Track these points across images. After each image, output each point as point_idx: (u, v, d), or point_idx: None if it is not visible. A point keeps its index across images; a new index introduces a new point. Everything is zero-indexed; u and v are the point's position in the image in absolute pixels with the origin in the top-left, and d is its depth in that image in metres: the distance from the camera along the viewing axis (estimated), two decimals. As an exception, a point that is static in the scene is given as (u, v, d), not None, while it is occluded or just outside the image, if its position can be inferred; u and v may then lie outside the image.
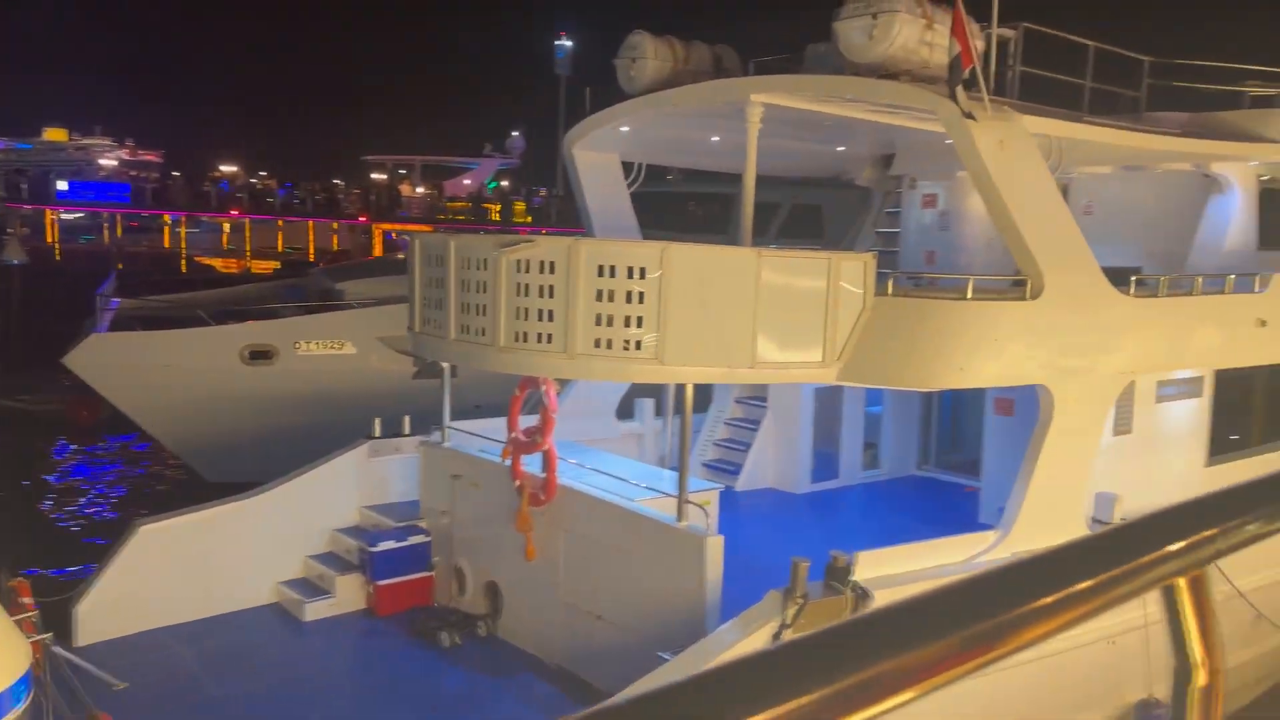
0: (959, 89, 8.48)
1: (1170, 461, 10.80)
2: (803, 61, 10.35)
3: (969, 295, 8.84)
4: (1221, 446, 11.56)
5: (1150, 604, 1.25)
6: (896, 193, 13.95)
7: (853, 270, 8.91)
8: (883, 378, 9.44)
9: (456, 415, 11.23)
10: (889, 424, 13.14)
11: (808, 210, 19.36)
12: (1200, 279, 10.75)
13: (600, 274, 8.25)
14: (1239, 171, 12.51)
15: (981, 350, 8.80)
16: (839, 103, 9.94)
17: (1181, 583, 1.20)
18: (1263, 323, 10.98)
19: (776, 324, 8.60)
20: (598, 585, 8.90)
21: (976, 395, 11.49)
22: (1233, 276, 11.00)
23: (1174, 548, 1.17)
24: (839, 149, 13.27)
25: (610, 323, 8.23)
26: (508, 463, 9.70)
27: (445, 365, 10.72)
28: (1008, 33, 11.00)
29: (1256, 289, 11.09)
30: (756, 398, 12.67)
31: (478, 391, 13.33)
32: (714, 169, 15.30)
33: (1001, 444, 10.84)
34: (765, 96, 9.53)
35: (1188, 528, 1.19)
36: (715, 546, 7.92)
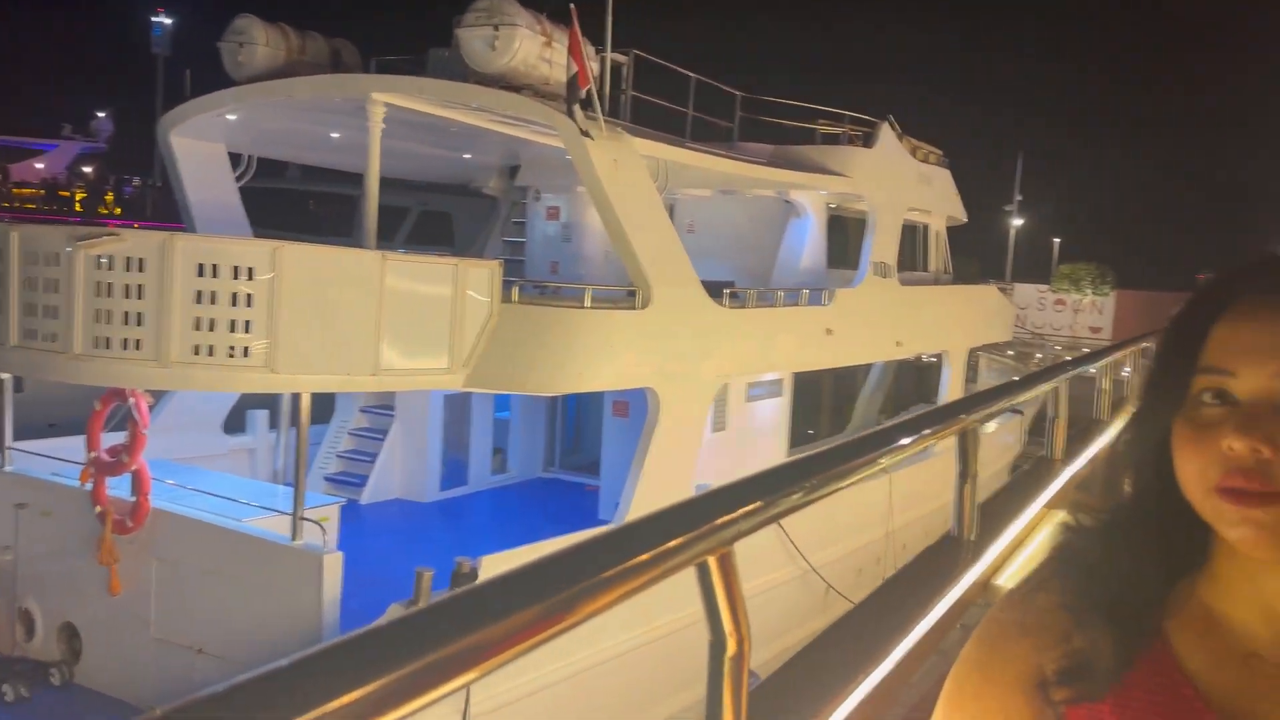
0: (576, 108, 8.88)
1: (759, 453, 12.11)
2: (426, 64, 10.26)
3: (587, 304, 9.28)
4: (799, 439, 13.23)
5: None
6: (522, 203, 14.30)
7: (480, 277, 8.98)
8: (509, 383, 9.62)
9: (26, 435, 9.72)
10: (517, 429, 13.41)
11: (437, 216, 19.22)
12: (781, 293, 12.18)
13: (201, 274, 7.57)
14: (812, 199, 14.36)
15: (599, 356, 9.28)
16: (463, 110, 9.99)
17: (711, 561, 1.32)
18: (829, 331, 12.67)
19: (401, 330, 8.44)
20: (198, 616, 8.14)
21: (597, 399, 12.09)
22: (807, 291, 12.60)
23: (701, 529, 1.29)
24: (466, 156, 13.33)
25: (213, 327, 7.58)
26: (88, 486, 8.57)
27: (3, 377, 9.24)
28: (621, 58, 11.72)
29: (825, 302, 12.79)
30: (383, 406, 12.34)
31: (55, 408, 11.63)
32: (337, 167, 14.68)
33: (619, 444, 11.49)
34: (388, 96, 9.32)
35: (712, 512, 1.32)
36: (334, 564, 7.58)
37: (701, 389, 10.39)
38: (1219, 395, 0.85)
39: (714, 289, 10.66)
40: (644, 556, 1.19)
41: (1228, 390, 0.84)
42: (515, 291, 9.37)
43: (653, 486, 9.46)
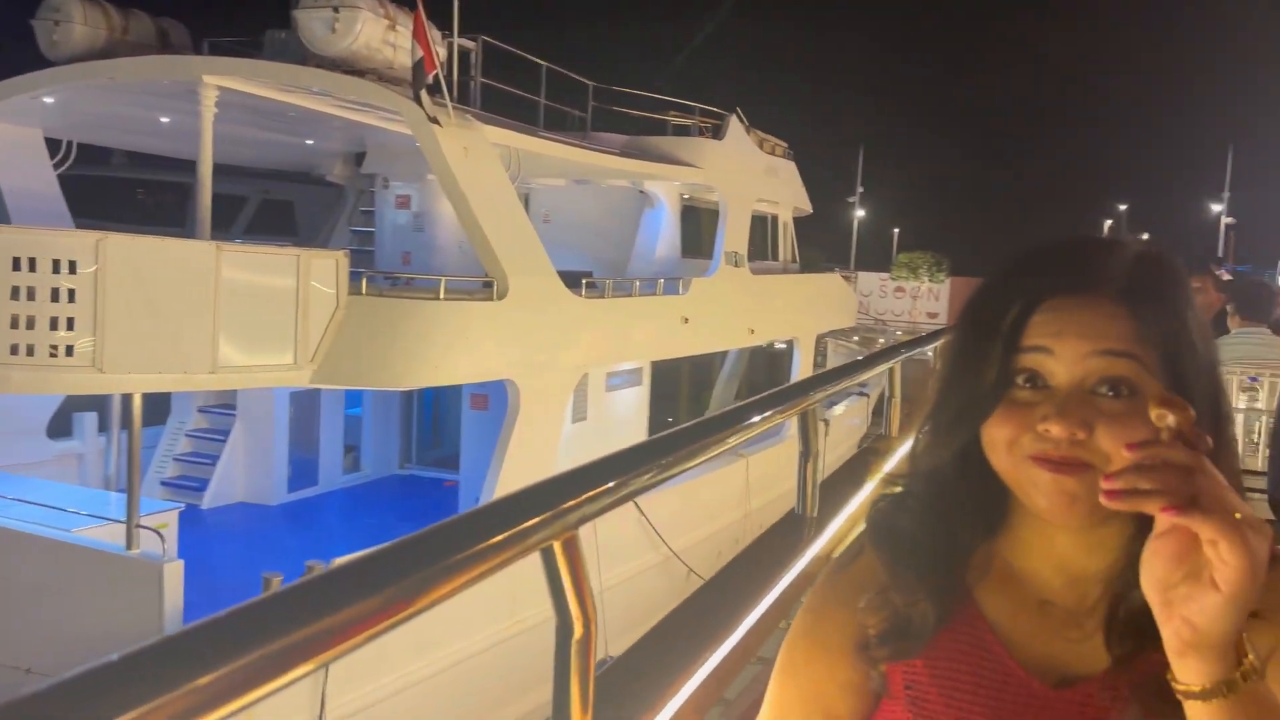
0: (424, 94, 8.66)
1: (620, 442, 12.13)
2: (262, 46, 9.78)
3: (441, 296, 9.08)
4: (658, 427, 13.34)
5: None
6: (370, 191, 13.86)
7: (324, 268, 8.66)
8: (360, 378, 9.33)
9: None
10: (370, 425, 13.02)
11: (279, 205, 18.42)
12: (638, 282, 12.27)
13: (16, 267, 7.00)
14: (666, 190, 14.53)
15: (454, 349, 9.10)
16: (303, 94, 9.59)
17: (556, 545, 1.32)
18: (686, 320, 12.86)
19: (241, 325, 8.04)
20: (22, 635, 7.54)
21: (454, 392, 11.88)
22: (663, 280, 12.75)
23: (545, 515, 1.29)
24: (308, 143, 12.81)
25: (32, 325, 7.02)
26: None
27: None
28: (469, 44, 11.51)
29: (681, 291, 12.97)
30: (224, 406, 11.74)
31: None
32: (168, 154, 13.83)
33: (478, 438, 11.33)
34: (220, 79, 8.84)
35: (556, 498, 1.32)
36: (174, 573, 7.17)
37: (561, 379, 10.35)
38: (1031, 379, 0.87)
39: (571, 279, 10.63)
40: (487, 543, 1.18)
41: (1041, 373, 0.87)
42: (364, 283, 9.08)
43: (514, 479, 9.37)
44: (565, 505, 1.33)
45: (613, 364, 12.14)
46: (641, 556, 10.57)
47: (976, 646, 0.92)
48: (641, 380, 13.19)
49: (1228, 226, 42.03)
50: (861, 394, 16.74)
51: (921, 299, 38.38)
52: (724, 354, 16.10)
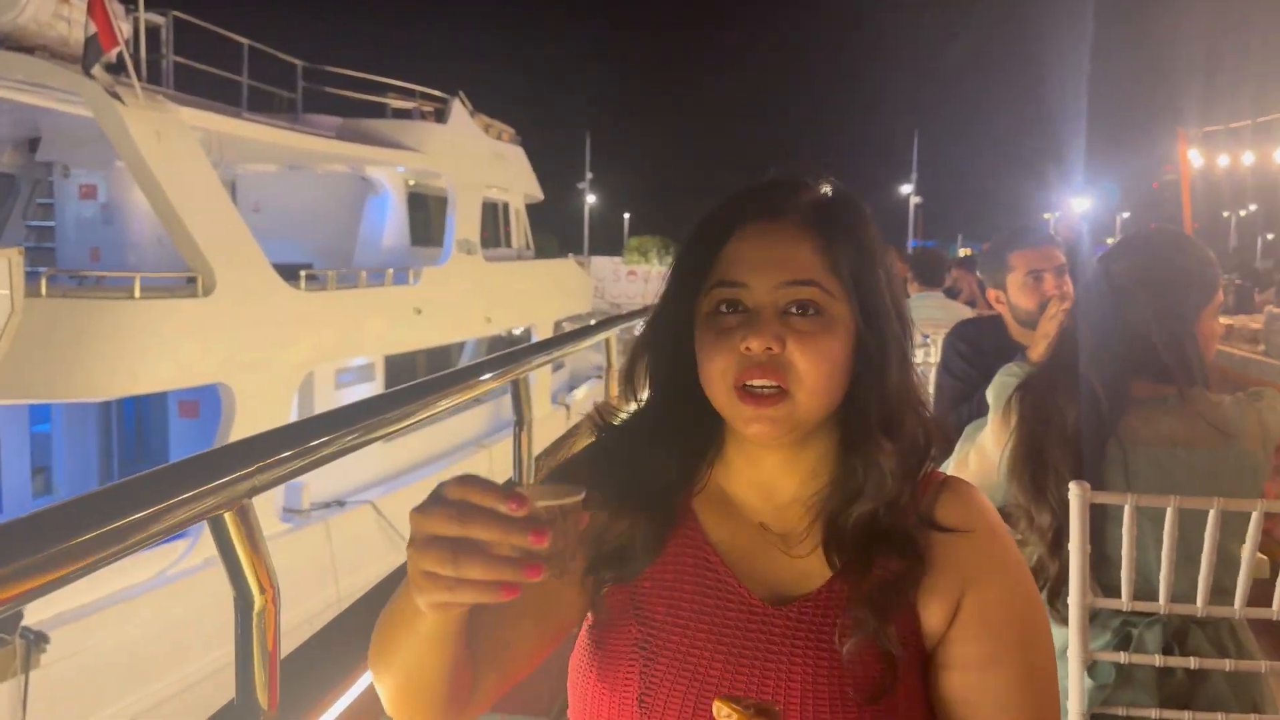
0: (100, 70, 7.81)
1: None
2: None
3: (136, 294, 8.26)
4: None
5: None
6: (49, 181, 12.34)
7: (-10, 269, 7.61)
8: (45, 390, 8.33)
9: None
10: (61, 441, 11.64)
11: (-65, 199, 16.02)
12: (364, 273, 11.78)
13: None
14: (390, 176, 14.02)
15: (154, 352, 8.32)
16: (-45, 71, 8.35)
17: (228, 516, 1.27)
18: (419, 311, 12.51)
19: (-115, 337, 6.91)
20: None
21: (160, 400, 10.87)
22: (391, 271, 12.31)
23: (215, 484, 1.24)
24: (-35, 127, 11.20)
25: None
26: None
27: None
28: (157, 19, 10.50)
29: (412, 281, 12.59)
30: (-128, 432, 10.07)
31: None
32: None
33: (190, 448, 10.41)
34: None
35: (226, 467, 1.27)
36: None
37: (282, 380, 9.73)
38: (731, 305, 0.95)
39: (288, 271, 10.02)
40: (143, 513, 1.12)
41: (740, 301, 0.94)
42: (44, 283, 8.09)
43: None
44: (236, 474, 1.28)
45: (341, 360, 11.59)
46: (386, 559, 10.20)
47: (700, 566, 0.98)
48: (374, 376, 12.69)
49: (916, 206, 46.80)
50: (600, 377, 17.01)
51: (653, 281, 39.63)
52: (461, 345, 15.86)
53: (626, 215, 48.25)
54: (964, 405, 2.68)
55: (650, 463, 0.99)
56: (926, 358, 4.12)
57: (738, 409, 0.93)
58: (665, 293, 1.01)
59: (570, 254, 23.25)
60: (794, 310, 0.94)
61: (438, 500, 0.75)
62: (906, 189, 46.36)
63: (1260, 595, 1.57)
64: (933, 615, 0.93)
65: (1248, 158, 12.86)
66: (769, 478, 0.99)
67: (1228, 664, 1.52)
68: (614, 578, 0.98)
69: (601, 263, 32.45)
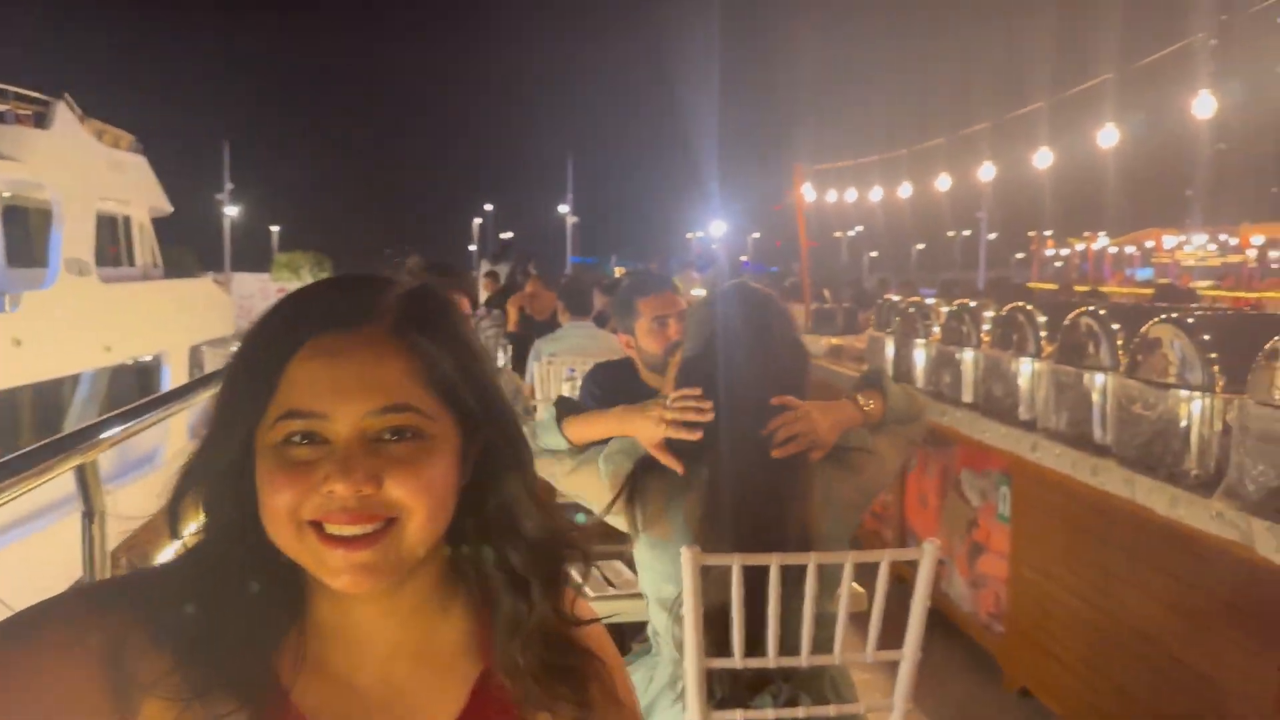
0: None
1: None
2: None
3: None
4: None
5: None
6: None
7: None
8: None
9: None
10: None
11: None
12: (-57, 300, 10.01)
13: None
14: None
15: None
16: None
17: None
18: (19, 342, 10.86)
19: None
20: None
21: None
22: (-19, 296, 10.58)
23: None
24: None
25: None
26: None
27: None
28: None
29: (9, 308, 10.89)
30: None
31: None
32: None
33: None
34: None
35: None
36: None
37: None
38: (308, 436, 0.77)
39: None
40: None
41: (317, 432, 0.77)
42: None
43: None
44: None
45: (-88, 404, 9.75)
46: None
47: None
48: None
49: (574, 225, 48.45)
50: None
51: (308, 299, 37.53)
52: (76, 378, 13.96)
53: (275, 228, 45.35)
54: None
55: (221, 621, 0.78)
56: (574, 392, 4.18)
57: (321, 557, 0.77)
58: (215, 421, 0.81)
59: (210, 271, 21.35)
60: (388, 437, 0.78)
61: None
62: (564, 208, 47.86)
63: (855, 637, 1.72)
64: None
65: (850, 194, 14.97)
66: (362, 629, 0.83)
67: (831, 709, 1.64)
68: None
69: (246, 280, 30.10)
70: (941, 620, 4.23)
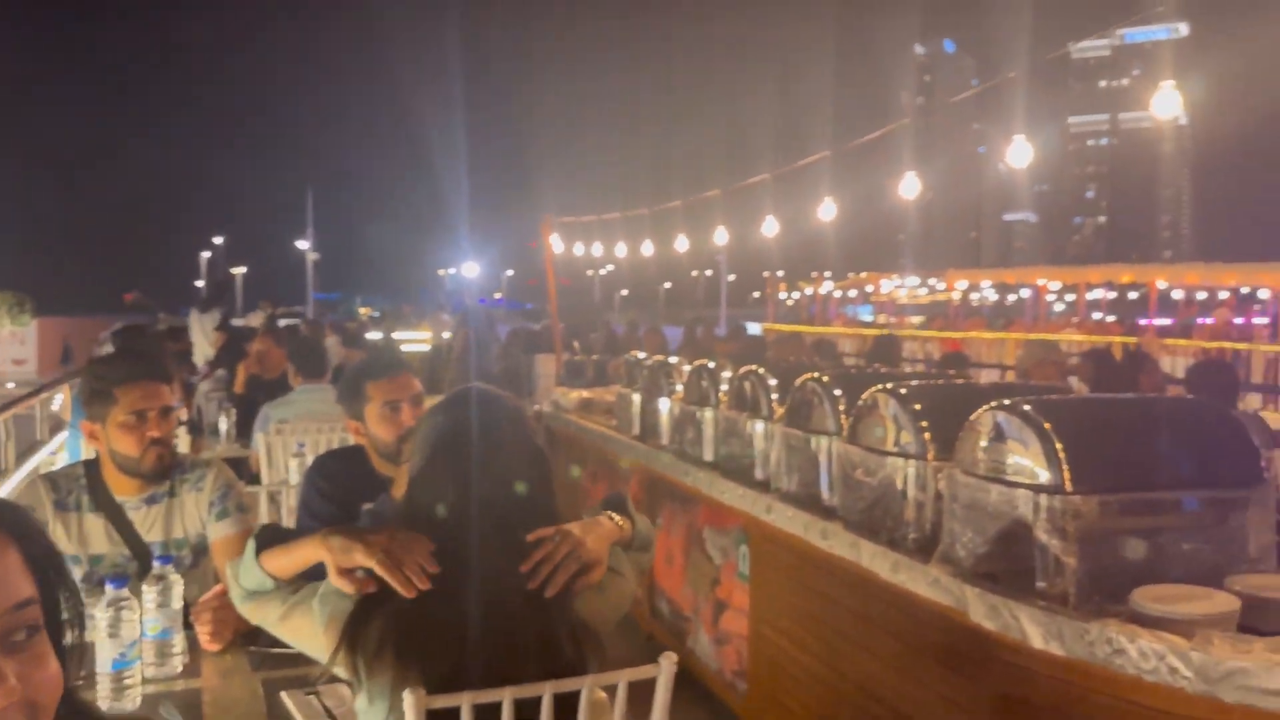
0: None
1: None
2: None
3: None
4: None
5: None
6: None
7: None
8: None
9: None
10: None
11: None
12: None
13: None
14: None
15: None
16: None
17: None
18: None
19: None
20: None
21: None
22: None
23: None
24: None
25: None
26: None
27: None
28: None
29: None
30: None
31: None
32: None
33: None
34: None
35: None
36: None
37: None
38: None
39: None
40: None
41: None
42: None
43: None
44: None
45: None
46: None
47: None
48: None
49: (314, 262, 46.32)
50: None
51: (4, 344, 33.46)
52: None
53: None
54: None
55: None
56: (301, 470, 3.84)
57: None
58: None
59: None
60: (20, 635, 0.78)
61: None
62: (304, 244, 45.66)
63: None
64: None
65: (597, 248, 15.46)
66: None
67: None
68: None
69: (-76, 324, 26.20)
70: (689, 679, 4.27)
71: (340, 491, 2.60)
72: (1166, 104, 8.02)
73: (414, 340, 17.60)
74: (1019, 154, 9.92)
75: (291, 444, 4.11)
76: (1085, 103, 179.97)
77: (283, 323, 12.40)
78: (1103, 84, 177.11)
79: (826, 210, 12.22)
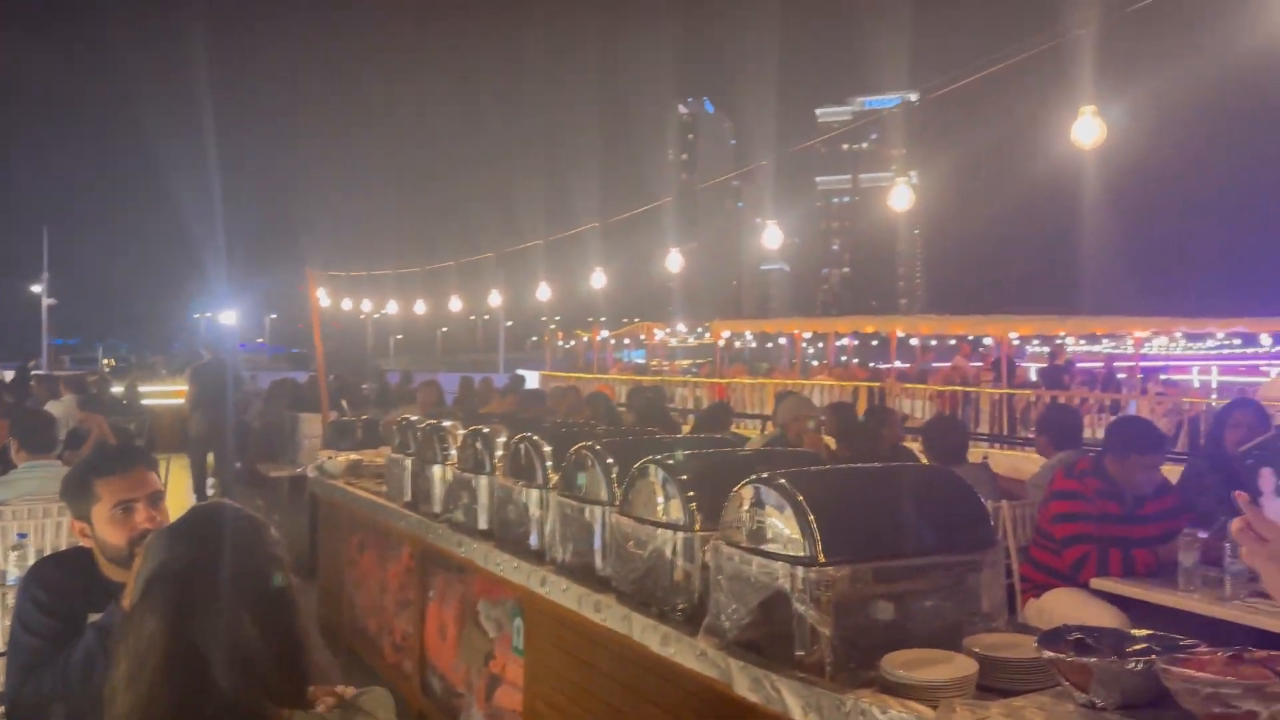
0: None
1: None
2: None
3: None
4: None
5: None
6: None
7: None
8: None
9: None
10: None
11: None
12: None
13: None
14: None
15: None
16: None
17: None
18: None
19: None
20: None
21: None
22: None
23: None
24: None
25: None
26: None
27: None
28: None
29: None
30: None
31: None
32: None
33: None
34: None
35: None
36: None
37: None
38: None
39: None
40: None
41: None
42: None
43: None
44: None
45: None
46: None
47: None
48: None
49: (50, 307, 42.00)
50: None
51: None
52: None
53: None
54: (49, 671, 2.20)
55: None
56: (22, 563, 3.40)
57: None
58: None
59: None
60: None
61: None
62: (37, 288, 41.28)
63: None
64: None
65: (366, 304, 15.11)
66: None
67: None
68: None
69: None
70: (464, 759, 4.12)
71: (62, 603, 2.31)
72: (900, 194, 8.69)
73: (163, 395, 16.27)
74: (771, 235, 10.76)
75: (12, 532, 3.65)
76: (830, 163, 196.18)
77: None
78: (845, 146, 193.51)
79: (597, 279, 12.80)
